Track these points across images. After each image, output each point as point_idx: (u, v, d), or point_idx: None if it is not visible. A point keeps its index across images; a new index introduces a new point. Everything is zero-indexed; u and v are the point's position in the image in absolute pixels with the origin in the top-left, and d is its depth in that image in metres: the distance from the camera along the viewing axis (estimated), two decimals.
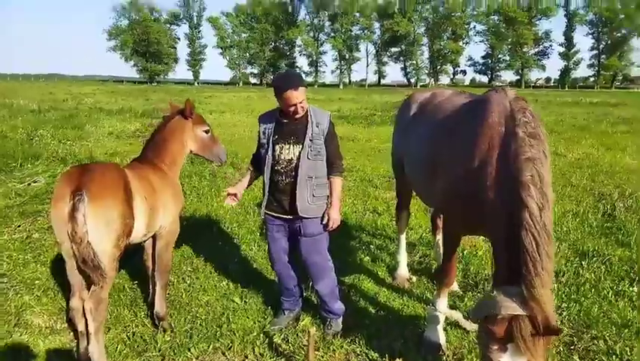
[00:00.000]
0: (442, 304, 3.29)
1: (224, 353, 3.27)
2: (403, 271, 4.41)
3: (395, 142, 4.33)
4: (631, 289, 4.05)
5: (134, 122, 16.26)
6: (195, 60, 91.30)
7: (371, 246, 5.21)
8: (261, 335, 3.43)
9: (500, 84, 75.59)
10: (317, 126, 3.21)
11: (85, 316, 2.76)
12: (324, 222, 3.30)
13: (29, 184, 7.43)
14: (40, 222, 5.58)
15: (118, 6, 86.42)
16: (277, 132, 3.28)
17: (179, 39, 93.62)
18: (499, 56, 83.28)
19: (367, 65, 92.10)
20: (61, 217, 2.64)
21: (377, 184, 8.04)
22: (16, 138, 11.96)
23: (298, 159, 3.20)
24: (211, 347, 3.31)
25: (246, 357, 3.22)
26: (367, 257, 4.91)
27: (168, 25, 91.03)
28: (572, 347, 3.29)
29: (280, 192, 3.29)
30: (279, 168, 3.26)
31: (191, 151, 3.71)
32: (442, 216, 4.29)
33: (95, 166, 3.03)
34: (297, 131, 3.22)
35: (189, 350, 3.27)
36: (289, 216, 3.30)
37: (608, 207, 6.55)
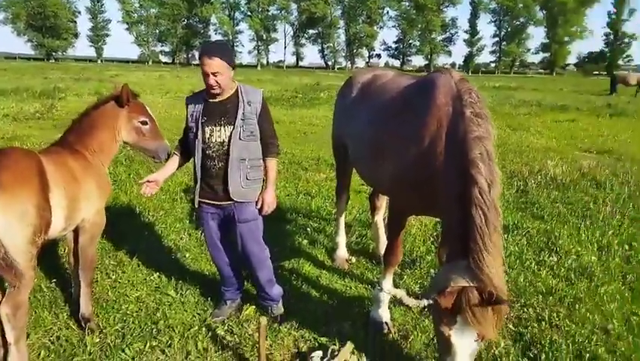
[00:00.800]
0: (388, 283, 3.32)
1: (163, 351, 3.02)
2: (342, 252, 4.40)
3: (336, 124, 4.25)
4: (550, 258, 4.39)
5: (33, 102, 14.65)
6: (98, 36, 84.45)
7: (307, 229, 5.14)
8: (203, 328, 3.23)
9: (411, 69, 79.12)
10: (249, 105, 3.03)
11: (1, 323, 2.39)
12: (258, 207, 3.15)
13: None
14: None
15: None
16: (206, 114, 3.06)
17: (79, 13, 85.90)
18: (410, 41, 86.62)
19: (285, 47, 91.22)
20: None
21: (306, 166, 7.97)
22: None
23: (229, 140, 3.01)
24: (147, 345, 3.04)
25: (189, 353, 3.00)
26: (305, 240, 4.85)
27: None
28: (505, 316, 3.48)
29: (212, 177, 3.08)
30: (210, 152, 3.04)
31: (124, 142, 3.30)
32: (382, 197, 4.35)
33: (4, 153, 2.60)
34: (228, 112, 3.02)
35: (123, 351, 2.99)
36: (223, 203, 3.12)
37: (521, 183, 7.07)
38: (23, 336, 2.49)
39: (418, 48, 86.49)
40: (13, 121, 11.65)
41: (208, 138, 3.04)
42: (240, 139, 3.00)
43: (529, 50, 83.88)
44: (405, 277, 4.06)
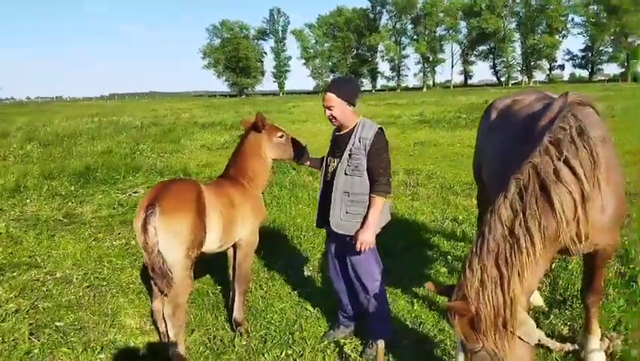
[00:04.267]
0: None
1: (295, 360, 3.34)
2: None
3: (476, 150, 4.18)
4: None
5: (224, 134, 17.25)
6: (280, 72, 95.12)
7: (449, 257, 5.02)
8: (332, 343, 3.46)
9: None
10: (359, 140, 3.12)
11: (164, 319, 2.98)
12: (353, 242, 3.13)
13: (130, 195, 8.19)
14: None
15: (211, 27, 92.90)
16: (331, 144, 3.34)
17: (265, 53, 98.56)
18: (600, 48, 76.26)
19: (452, 66, 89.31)
20: (137, 228, 2.89)
21: (458, 191, 7.73)
22: (120, 152, 13.27)
23: (336, 172, 3.18)
24: (284, 353, 3.40)
25: None
26: (444, 268, 4.75)
27: (256, 41, 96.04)
28: None
29: (325, 204, 3.27)
30: (327, 180, 3.29)
31: (273, 159, 3.77)
32: None
33: (173, 182, 3.29)
34: (341, 145, 3.20)
35: (263, 355, 3.39)
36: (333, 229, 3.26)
37: None
38: (181, 332, 3.05)
39: (610, 55, 75.67)
40: (208, 150, 13.91)
41: (326, 167, 3.31)
42: (345, 173, 3.13)
43: None
44: (551, 316, 3.68)
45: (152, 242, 2.83)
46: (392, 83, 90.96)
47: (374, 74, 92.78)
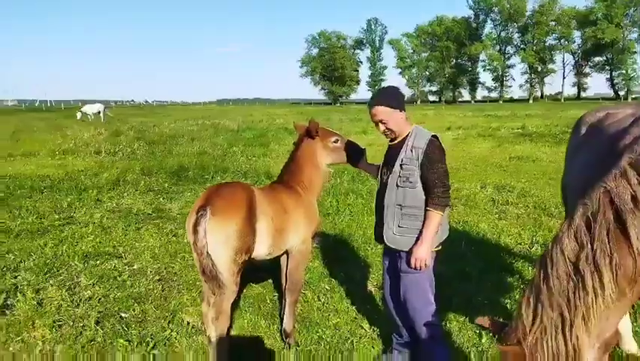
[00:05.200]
0: None
1: None
2: None
3: (564, 170, 3.68)
4: None
5: None
6: (375, 81, 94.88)
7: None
8: None
9: None
10: (411, 150, 2.85)
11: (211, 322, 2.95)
12: (408, 259, 2.88)
13: None
14: None
15: (309, 37, 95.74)
16: (385, 156, 3.09)
17: (361, 62, 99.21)
18: None
19: (564, 77, 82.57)
20: (188, 229, 2.88)
21: (553, 212, 6.96)
22: (213, 153, 14.00)
23: (388, 184, 2.93)
24: None
25: None
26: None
27: (352, 51, 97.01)
28: None
29: (380, 217, 3.05)
30: (381, 193, 3.03)
31: (329, 165, 3.63)
32: None
33: (227, 185, 3.25)
34: (394, 156, 2.95)
35: None
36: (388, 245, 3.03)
37: None
38: (224, 338, 2.98)
39: None
40: None
41: (380, 179, 3.08)
42: (396, 185, 2.89)
43: None
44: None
45: (202, 244, 2.81)
46: (494, 94, 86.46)
47: (474, 85, 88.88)
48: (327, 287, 4.56)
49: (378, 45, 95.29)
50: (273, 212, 3.19)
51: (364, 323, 3.82)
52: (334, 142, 3.53)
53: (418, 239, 2.86)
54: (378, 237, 3.12)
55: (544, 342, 1.82)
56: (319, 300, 4.30)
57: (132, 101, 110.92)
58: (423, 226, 2.85)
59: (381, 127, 2.93)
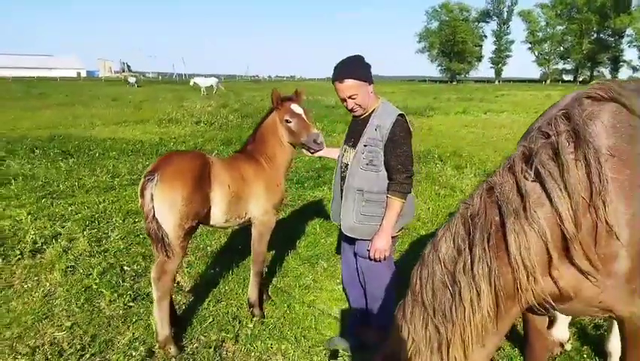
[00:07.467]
0: None
1: (283, 355, 3.10)
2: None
3: None
4: None
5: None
6: (499, 57, 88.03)
7: None
8: (329, 351, 3.10)
9: None
10: (376, 129, 2.59)
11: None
12: (368, 249, 2.66)
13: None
14: None
15: (430, 9, 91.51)
16: (348, 130, 2.85)
17: (485, 37, 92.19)
18: None
19: None
20: (139, 193, 3.02)
21: None
22: None
23: (349, 166, 2.68)
24: (275, 347, 3.18)
25: None
26: None
27: (476, 24, 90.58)
28: None
29: (337, 200, 2.86)
30: (340, 173, 2.82)
31: (289, 143, 3.45)
32: None
33: (179, 153, 3.32)
34: (356, 133, 2.70)
35: (263, 341, 3.23)
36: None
37: None
38: (165, 297, 3.08)
39: None
40: None
41: (340, 158, 2.86)
42: (360, 168, 2.66)
43: None
44: None
45: (148, 208, 2.93)
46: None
47: (617, 63, 77.76)
48: (324, 265, 4.49)
49: (506, 17, 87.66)
50: (230, 180, 3.20)
51: (334, 306, 3.70)
52: (286, 120, 3.37)
53: (377, 227, 2.68)
54: (336, 216, 2.98)
55: None
56: (306, 277, 4.25)
57: (256, 76, 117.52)
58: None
59: (350, 103, 2.69)
